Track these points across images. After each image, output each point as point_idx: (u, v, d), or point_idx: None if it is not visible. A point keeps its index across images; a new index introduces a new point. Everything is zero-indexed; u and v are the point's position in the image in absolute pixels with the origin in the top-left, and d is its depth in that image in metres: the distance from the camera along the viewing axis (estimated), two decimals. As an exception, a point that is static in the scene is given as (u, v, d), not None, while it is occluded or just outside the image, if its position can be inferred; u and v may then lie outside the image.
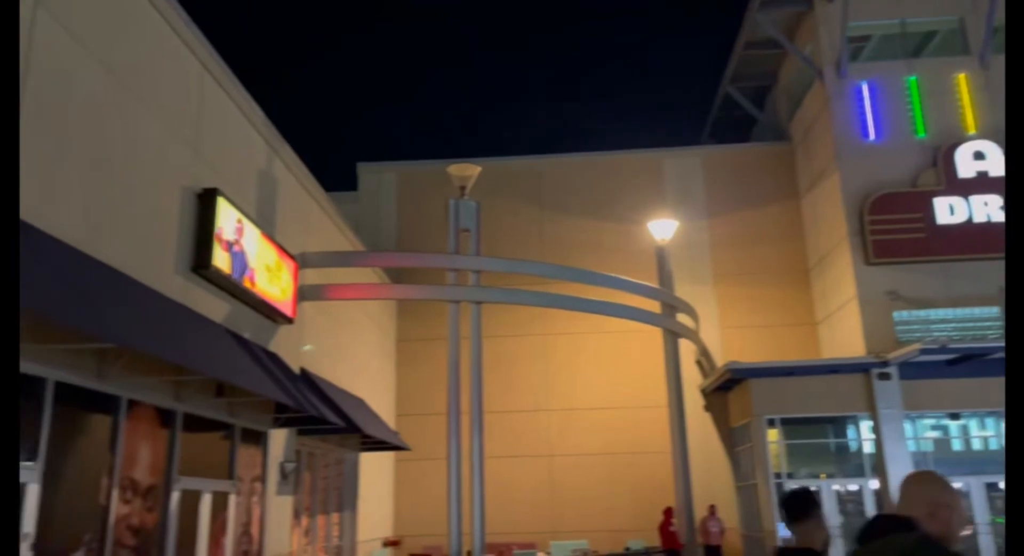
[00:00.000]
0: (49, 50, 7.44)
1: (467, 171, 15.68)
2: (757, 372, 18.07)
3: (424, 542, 19.70)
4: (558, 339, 22.44)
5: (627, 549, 18.11)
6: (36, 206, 7.05)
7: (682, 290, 20.56)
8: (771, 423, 17.97)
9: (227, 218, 10.75)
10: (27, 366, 6.93)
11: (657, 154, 24.18)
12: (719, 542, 18.15)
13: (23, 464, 6.91)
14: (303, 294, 14.21)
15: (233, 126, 11.81)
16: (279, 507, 12.96)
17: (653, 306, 18.05)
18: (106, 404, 8.28)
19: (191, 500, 10.01)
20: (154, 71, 9.51)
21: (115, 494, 8.30)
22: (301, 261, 14.17)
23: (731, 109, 27.45)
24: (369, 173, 24.40)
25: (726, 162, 24.12)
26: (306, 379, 14.03)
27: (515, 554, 15.66)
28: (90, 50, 8.17)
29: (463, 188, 15.60)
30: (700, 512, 18.04)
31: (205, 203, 10.39)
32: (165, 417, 9.45)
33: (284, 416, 12.57)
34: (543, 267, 18.43)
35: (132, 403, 8.68)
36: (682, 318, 18.75)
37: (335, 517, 17.12)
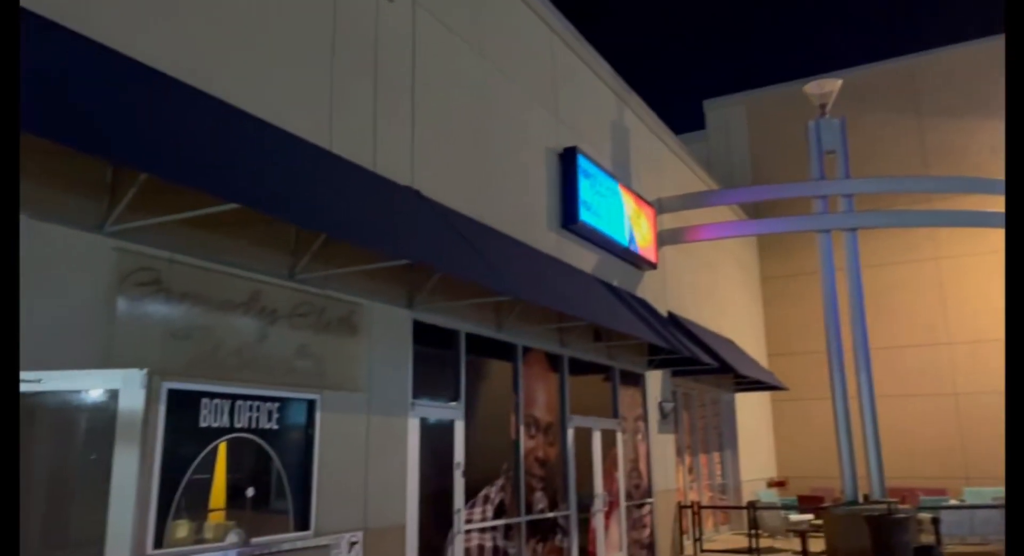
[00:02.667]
0: (431, 43, 8.42)
1: (826, 87, 14.29)
2: None
3: (811, 484, 18.95)
4: (954, 262, 19.57)
5: (1067, 502, 15.32)
6: (436, 187, 8.11)
7: (1126, 190, 16.41)
8: None
9: (587, 174, 11.27)
10: (445, 320, 8.09)
11: (1075, 24, 19.43)
12: None
13: (449, 404, 8.12)
14: (663, 239, 14.38)
15: (584, 83, 12.26)
16: (662, 445, 13.46)
17: (1084, 214, 14.71)
18: (505, 351, 9.32)
19: (584, 437, 10.87)
20: (513, 44, 10.25)
21: (522, 430, 9.35)
22: (658, 206, 14.33)
23: None
24: (716, 109, 23.62)
25: None
26: (674, 321, 14.26)
27: (922, 501, 14.26)
28: (462, 37, 9.08)
29: (823, 107, 14.27)
30: None
31: (567, 161, 11.00)
32: (554, 361, 10.35)
33: (658, 358, 12.94)
34: (928, 181, 16.13)
35: (526, 350, 9.65)
36: None
37: (716, 456, 17.28)
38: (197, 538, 5.16)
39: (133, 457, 3.98)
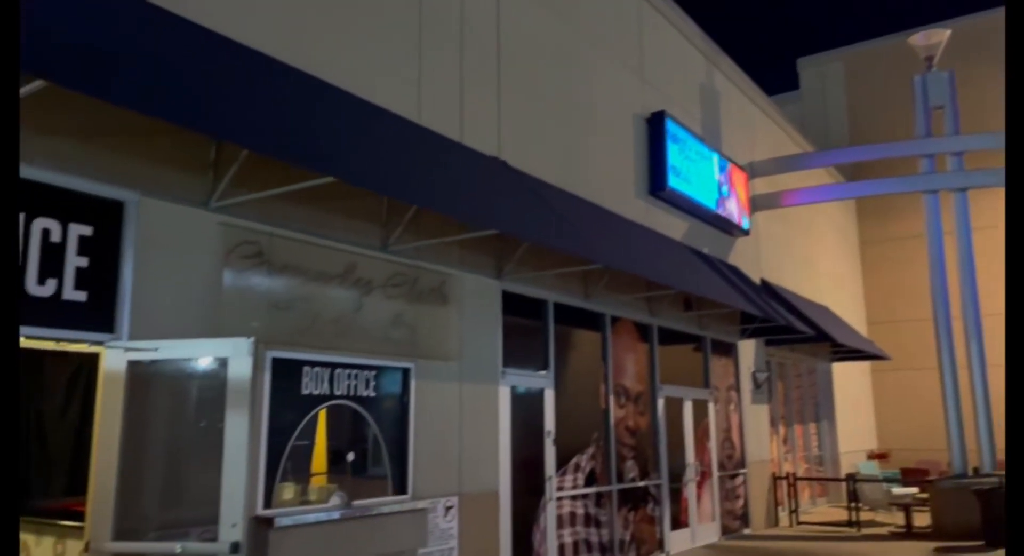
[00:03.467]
0: (515, 11, 8.35)
1: (933, 39, 13.43)
2: None
3: (915, 456, 18.21)
4: (1075, 224, 18.17)
5: None
6: (522, 157, 8.09)
7: None
8: None
9: (676, 139, 11.00)
10: (533, 290, 8.12)
11: None
12: None
13: (538, 373, 8.16)
14: (755, 204, 13.94)
15: (672, 45, 11.92)
16: (755, 415, 13.19)
17: None
18: (594, 321, 9.29)
19: (675, 407, 10.76)
20: (598, 8, 10.04)
21: (611, 399, 9.34)
22: (750, 171, 13.88)
23: None
24: (811, 67, 22.55)
25: None
26: (768, 289, 13.86)
27: (1037, 476, 13.47)
28: (546, 3, 8.96)
29: (930, 59, 13.43)
30: None
31: (654, 126, 10.77)
32: (643, 331, 10.25)
33: (751, 327, 12.63)
34: (1048, 137, 14.96)
35: (615, 319, 9.59)
36: None
37: (812, 427, 16.81)
38: (302, 500, 5.40)
39: (243, 422, 4.19)
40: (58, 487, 7.35)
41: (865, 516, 13.52)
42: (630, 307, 9.85)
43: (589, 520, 8.62)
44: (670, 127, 10.82)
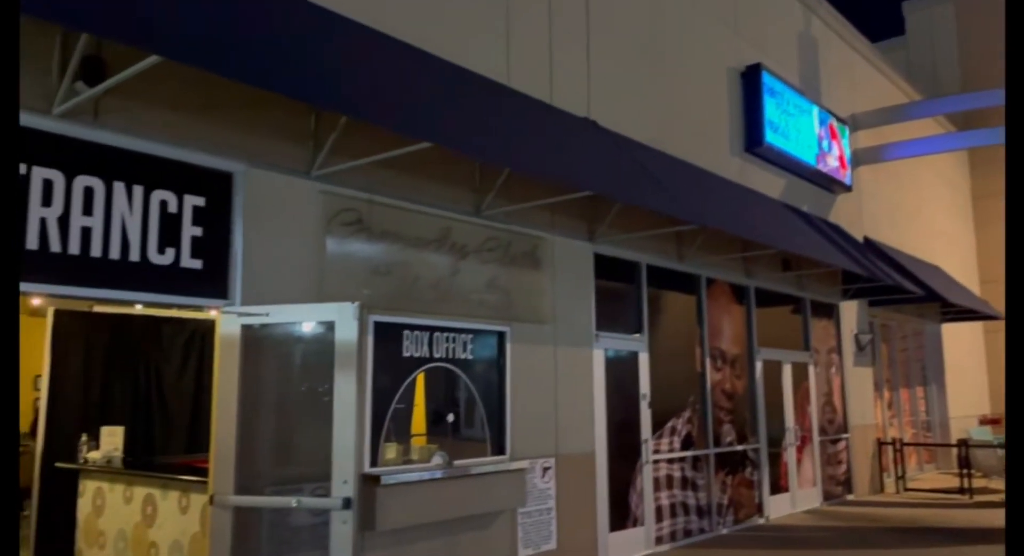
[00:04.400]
0: (599, -34, 8.12)
1: (1060, -29, 12.28)
2: None
3: (1032, 423, 17.19)
4: None
5: None
6: (613, 116, 7.93)
7: None
8: None
9: (772, 92, 10.54)
10: (625, 253, 8.02)
11: None
12: None
13: (632, 336, 8.09)
14: (858, 158, 13.26)
15: (765, -6, 11.38)
16: (858, 379, 12.71)
17: None
18: (688, 283, 9.11)
19: (773, 370, 10.49)
20: (686, -41, 9.67)
21: (707, 362, 9.17)
22: (852, 123, 13.19)
23: None
24: (918, 10, 21.11)
25: None
26: (872, 247, 13.24)
27: None
28: (632, -46, 8.68)
29: (1056, -6, 12.30)
30: None
31: (750, 80, 10.34)
32: (739, 293, 9.98)
33: (853, 287, 12.11)
34: None
35: (710, 281, 9.38)
36: None
37: (919, 391, 16.09)
38: (405, 459, 5.57)
39: (351, 383, 4.32)
40: (179, 445, 7.84)
41: (977, 483, 12.91)
42: (725, 268, 9.61)
43: (686, 483, 8.56)
44: (766, 80, 10.38)
